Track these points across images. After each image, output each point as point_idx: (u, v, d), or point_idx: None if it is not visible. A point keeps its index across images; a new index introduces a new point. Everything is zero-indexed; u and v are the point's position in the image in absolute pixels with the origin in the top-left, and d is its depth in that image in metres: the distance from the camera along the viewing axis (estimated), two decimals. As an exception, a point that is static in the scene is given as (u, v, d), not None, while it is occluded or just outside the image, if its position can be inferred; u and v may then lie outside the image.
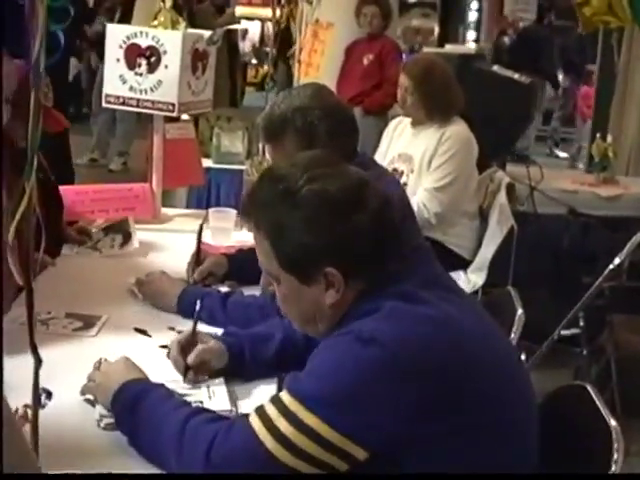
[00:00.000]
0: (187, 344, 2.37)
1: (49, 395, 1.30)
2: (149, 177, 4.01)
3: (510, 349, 2.07)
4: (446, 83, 4.76)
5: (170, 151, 3.98)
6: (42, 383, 1.30)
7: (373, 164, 3.09)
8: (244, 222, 2.03)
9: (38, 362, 1.19)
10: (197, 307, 2.46)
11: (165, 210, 4.14)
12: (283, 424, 1.76)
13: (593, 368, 4.87)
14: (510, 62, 10.23)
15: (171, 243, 3.70)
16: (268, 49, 21.30)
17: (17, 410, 1.26)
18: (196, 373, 2.34)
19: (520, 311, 2.85)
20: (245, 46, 18.18)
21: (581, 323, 4.70)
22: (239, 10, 22.86)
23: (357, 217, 1.86)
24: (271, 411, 1.79)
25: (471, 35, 16.57)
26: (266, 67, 20.75)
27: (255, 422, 1.80)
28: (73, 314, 2.79)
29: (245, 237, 3.75)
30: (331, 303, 1.90)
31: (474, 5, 16.71)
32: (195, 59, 3.78)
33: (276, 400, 1.82)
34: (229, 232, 3.69)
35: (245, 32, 17.50)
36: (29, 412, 1.23)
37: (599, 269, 4.38)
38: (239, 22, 12.79)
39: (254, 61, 20.74)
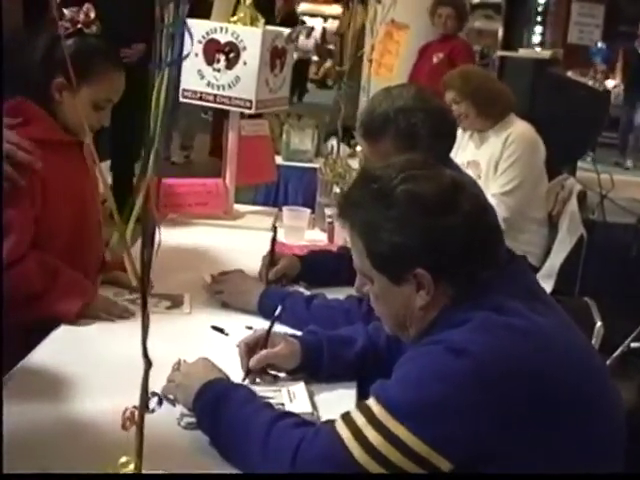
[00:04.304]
0: (255, 345, 2.36)
1: (160, 401, 1.27)
2: (223, 173, 4.00)
3: (600, 363, 2.03)
4: (485, 79, 4.89)
5: (244, 148, 3.97)
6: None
7: (460, 171, 3.02)
8: (340, 222, 2.02)
9: (148, 365, 1.17)
10: (277, 311, 2.44)
11: (237, 206, 4.13)
12: (371, 433, 1.74)
13: (660, 382, 4.79)
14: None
15: (243, 240, 3.69)
16: (330, 46, 21.32)
17: (125, 410, 1.25)
18: (259, 375, 2.34)
19: (599, 323, 2.82)
20: (309, 43, 18.19)
21: (651, 335, 4.63)
22: (302, 7, 22.97)
23: (448, 219, 1.84)
24: (359, 419, 1.77)
25: (536, 39, 16.39)
26: (327, 64, 20.87)
27: (342, 429, 1.78)
28: (157, 294, 2.83)
29: (318, 236, 3.75)
30: (421, 305, 1.89)
31: (540, 8, 16.52)
32: (274, 56, 3.76)
33: (364, 408, 1.79)
34: (302, 231, 3.68)
35: (311, 30, 17.53)
36: (136, 414, 1.21)
37: (668, 280, 4.33)
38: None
39: (315, 58, 20.75)
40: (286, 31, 3.88)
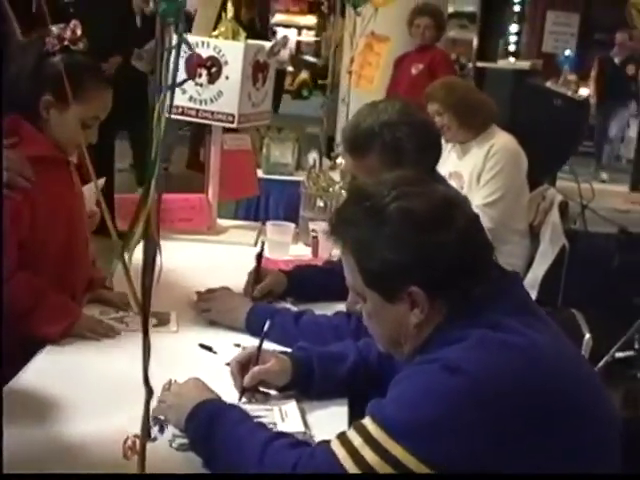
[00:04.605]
0: (247, 363, 2.34)
1: (162, 428, 1.25)
2: (205, 188, 3.97)
3: (592, 372, 2.03)
4: (468, 91, 4.87)
5: (227, 162, 3.94)
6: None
7: (446, 183, 3.01)
8: (332, 239, 2.00)
9: (149, 393, 1.14)
10: (266, 326, 2.42)
11: (219, 221, 4.10)
12: (368, 453, 1.72)
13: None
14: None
15: (227, 255, 3.67)
16: (305, 57, 21.32)
17: (127, 439, 1.22)
18: (253, 393, 2.31)
19: (588, 335, 2.80)
20: (284, 54, 18.20)
21: (636, 345, 4.64)
22: (276, 17, 22.99)
23: (442, 236, 1.83)
24: (355, 439, 1.75)
25: (511, 48, 16.43)
26: (302, 75, 20.87)
27: (339, 450, 1.75)
28: None
29: (302, 251, 3.73)
30: (415, 323, 1.87)
31: (515, 17, 16.58)
32: (256, 70, 3.73)
33: (359, 427, 1.77)
34: (287, 246, 3.65)
35: (286, 41, 17.52)
36: (137, 443, 1.18)
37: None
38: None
39: (290, 68, 20.76)
40: (268, 45, 3.87)
